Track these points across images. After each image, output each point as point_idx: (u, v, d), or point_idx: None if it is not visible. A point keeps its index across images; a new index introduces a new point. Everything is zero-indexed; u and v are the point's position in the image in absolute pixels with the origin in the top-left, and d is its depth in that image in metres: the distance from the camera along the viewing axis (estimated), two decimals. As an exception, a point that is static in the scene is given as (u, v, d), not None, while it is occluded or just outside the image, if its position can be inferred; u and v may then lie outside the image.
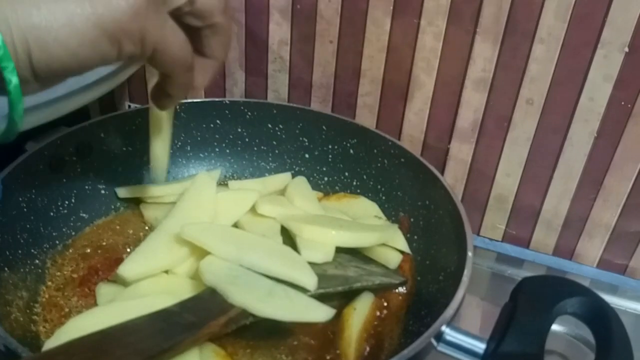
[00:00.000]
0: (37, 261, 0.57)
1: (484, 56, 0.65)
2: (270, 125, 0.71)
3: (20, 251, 0.55)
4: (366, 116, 0.74)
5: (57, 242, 0.60)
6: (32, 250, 0.57)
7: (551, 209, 0.70)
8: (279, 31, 0.73)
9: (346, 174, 0.69)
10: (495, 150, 0.69)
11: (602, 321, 0.44)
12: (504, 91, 0.66)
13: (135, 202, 0.66)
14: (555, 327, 0.46)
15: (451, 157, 0.72)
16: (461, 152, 0.71)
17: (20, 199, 0.57)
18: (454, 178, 0.73)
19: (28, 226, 0.57)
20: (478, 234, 0.75)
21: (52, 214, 0.60)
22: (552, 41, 0.61)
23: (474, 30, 0.64)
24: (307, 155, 0.71)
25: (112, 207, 0.66)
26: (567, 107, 0.64)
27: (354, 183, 0.69)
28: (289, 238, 0.57)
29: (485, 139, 0.69)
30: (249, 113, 0.71)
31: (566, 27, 0.60)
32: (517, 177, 0.70)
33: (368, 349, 0.51)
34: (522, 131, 0.67)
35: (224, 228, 0.57)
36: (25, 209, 0.57)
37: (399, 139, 0.72)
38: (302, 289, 0.50)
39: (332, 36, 0.70)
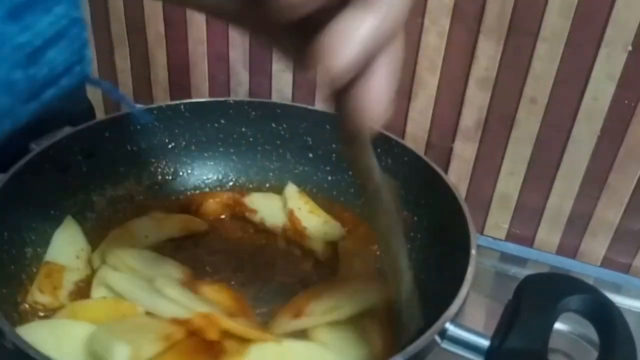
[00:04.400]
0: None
1: (487, 55, 0.65)
2: (274, 125, 0.71)
3: (26, 249, 0.56)
4: (370, 115, 0.74)
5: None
6: (39, 249, 0.57)
7: (555, 208, 0.70)
8: (282, 31, 0.73)
9: (350, 173, 0.69)
10: (499, 149, 0.70)
11: (605, 319, 0.44)
12: (507, 90, 0.66)
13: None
14: (559, 325, 0.46)
15: (455, 156, 0.72)
16: (465, 151, 0.71)
17: (26, 199, 0.57)
18: (457, 177, 0.73)
19: (34, 225, 0.57)
20: (481, 233, 0.75)
21: (57, 213, 0.61)
22: (556, 40, 0.61)
23: (478, 29, 0.64)
24: (310, 155, 0.71)
25: (118, 206, 0.66)
26: (571, 106, 0.64)
27: (358, 182, 0.68)
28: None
29: (489, 137, 0.69)
30: (253, 113, 0.71)
31: (569, 25, 0.60)
32: (520, 175, 0.70)
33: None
34: (525, 130, 0.67)
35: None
36: (31, 209, 0.57)
37: (402, 138, 0.72)
38: None
39: (335, 36, 0.70)
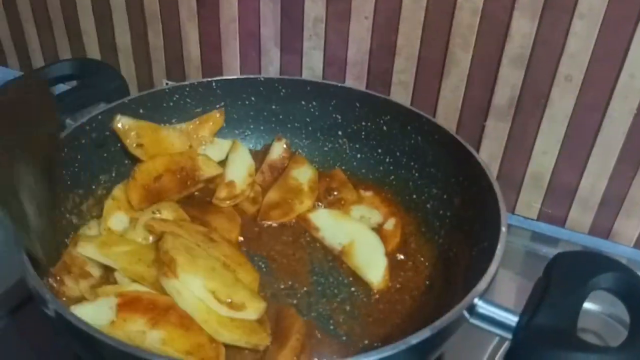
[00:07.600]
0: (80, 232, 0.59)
1: (522, 32, 0.64)
2: (304, 102, 0.71)
3: (64, 222, 0.58)
4: (401, 93, 0.73)
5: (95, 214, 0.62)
6: (74, 222, 0.59)
7: (588, 188, 0.69)
8: (314, 8, 0.73)
9: (379, 150, 0.70)
10: (532, 128, 0.69)
11: (636, 296, 0.44)
12: (541, 68, 0.65)
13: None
14: (589, 305, 0.45)
15: (487, 134, 0.71)
16: (497, 129, 0.71)
17: (64, 173, 0.59)
18: (489, 156, 0.72)
19: (70, 196, 0.59)
20: (513, 212, 0.75)
21: (93, 187, 0.62)
22: (593, 16, 0.60)
23: (512, 5, 0.63)
24: (340, 132, 0.71)
25: (151, 181, 0.67)
26: (607, 84, 0.63)
27: (387, 160, 0.69)
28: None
29: (522, 116, 0.69)
30: (283, 90, 0.71)
31: (607, 1, 0.59)
32: (554, 154, 0.69)
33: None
34: (560, 108, 0.66)
35: None
36: (69, 182, 0.59)
37: (433, 116, 0.71)
38: None
39: (367, 12, 0.70)
